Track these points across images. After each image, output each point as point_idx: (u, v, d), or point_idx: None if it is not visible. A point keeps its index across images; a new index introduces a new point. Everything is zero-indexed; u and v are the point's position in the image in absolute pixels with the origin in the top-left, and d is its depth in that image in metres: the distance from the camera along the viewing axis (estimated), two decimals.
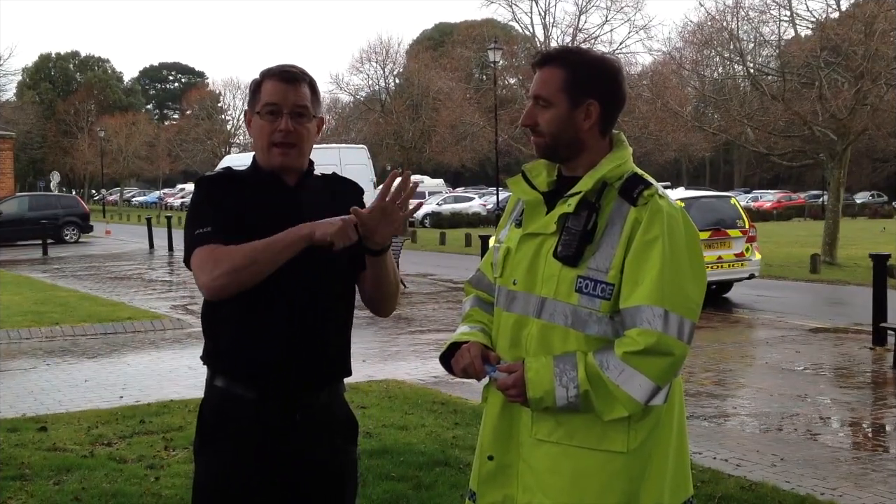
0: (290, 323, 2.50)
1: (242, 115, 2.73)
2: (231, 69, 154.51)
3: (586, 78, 2.44)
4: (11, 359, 10.16)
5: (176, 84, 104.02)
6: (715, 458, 6.19)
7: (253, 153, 2.66)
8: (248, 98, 2.67)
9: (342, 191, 2.66)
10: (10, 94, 71.74)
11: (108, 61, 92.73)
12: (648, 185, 2.41)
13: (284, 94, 2.55)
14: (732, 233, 14.54)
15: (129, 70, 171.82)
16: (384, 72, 43.06)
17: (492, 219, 40.63)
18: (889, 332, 10.35)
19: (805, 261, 20.91)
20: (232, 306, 2.50)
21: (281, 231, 2.43)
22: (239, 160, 23.98)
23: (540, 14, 51.85)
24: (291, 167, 2.57)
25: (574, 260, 2.37)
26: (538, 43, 39.87)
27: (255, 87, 2.61)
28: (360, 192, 2.70)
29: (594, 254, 2.37)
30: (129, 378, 8.96)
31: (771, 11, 25.30)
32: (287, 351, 2.50)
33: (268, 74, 2.60)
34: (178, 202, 65.25)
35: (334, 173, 2.69)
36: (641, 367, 2.30)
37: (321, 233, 2.41)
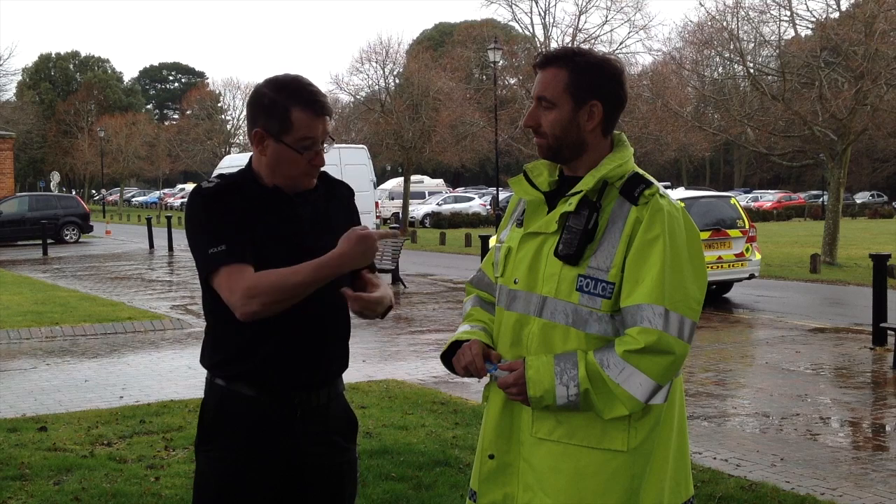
0: (290, 322, 2.50)
1: (250, 132, 2.53)
2: (231, 69, 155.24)
3: (590, 79, 2.44)
4: (11, 359, 10.16)
5: (176, 84, 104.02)
6: (715, 458, 6.19)
7: (250, 155, 2.63)
8: (262, 117, 2.49)
9: (335, 195, 2.68)
10: (10, 94, 71.84)
11: (108, 61, 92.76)
12: (649, 184, 2.42)
13: (318, 126, 2.51)
14: (732, 233, 14.53)
15: (129, 70, 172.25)
16: (384, 72, 42.91)
17: (491, 219, 40.61)
18: (889, 332, 10.34)
19: (805, 261, 20.91)
20: None
21: (282, 244, 2.47)
22: (239, 160, 23.95)
23: (540, 14, 51.87)
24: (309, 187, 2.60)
25: (575, 259, 2.38)
26: (538, 43, 39.90)
27: (282, 111, 2.46)
28: (351, 193, 2.73)
29: (595, 252, 2.38)
30: (129, 378, 8.95)
31: (771, 11, 25.30)
32: (287, 349, 2.51)
33: (296, 103, 2.47)
34: (178, 202, 65.26)
35: (324, 173, 2.66)
36: (642, 366, 2.30)
37: (354, 266, 2.47)
